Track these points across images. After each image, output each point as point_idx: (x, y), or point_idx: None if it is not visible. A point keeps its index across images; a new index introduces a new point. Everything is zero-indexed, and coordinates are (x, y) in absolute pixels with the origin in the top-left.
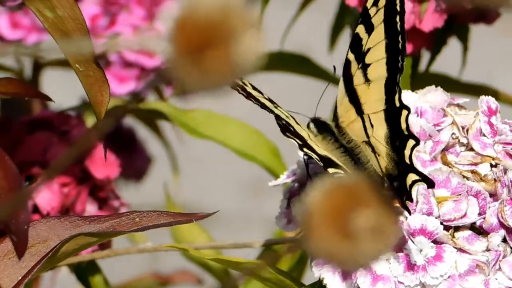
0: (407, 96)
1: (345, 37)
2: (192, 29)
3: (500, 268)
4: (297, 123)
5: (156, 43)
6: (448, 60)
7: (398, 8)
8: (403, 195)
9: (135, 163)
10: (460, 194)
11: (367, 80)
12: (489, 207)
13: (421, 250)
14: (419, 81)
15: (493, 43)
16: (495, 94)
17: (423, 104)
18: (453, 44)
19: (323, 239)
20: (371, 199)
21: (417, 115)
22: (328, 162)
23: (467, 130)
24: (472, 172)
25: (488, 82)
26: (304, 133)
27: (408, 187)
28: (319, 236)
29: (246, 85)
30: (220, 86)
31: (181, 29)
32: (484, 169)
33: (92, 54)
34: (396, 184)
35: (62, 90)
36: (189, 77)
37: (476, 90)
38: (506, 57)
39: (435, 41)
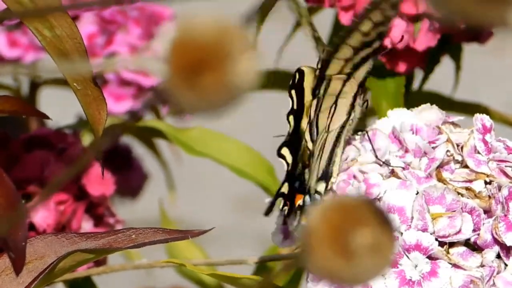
0: (402, 114)
1: None
2: (188, 50)
3: (494, 284)
4: None
5: (153, 63)
6: (440, 78)
7: None
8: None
9: (131, 180)
10: (454, 211)
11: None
12: (484, 224)
13: (416, 266)
14: (413, 100)
15: (483, 61)
16: (486, 111)
17: (418, 122)
18: (445, 62)
19: (322, 258)
20: (368, 217)
21: (412, 133)
22: None
23: (462, 148)
24: (467, 189)
25: (477, 100)
26: None
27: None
28: (318, 254)
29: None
30: (216, 107)
31: (177, 50)
32: (478, 186)
33: (90, 73)
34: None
35: (59, 108)
36: (185, 98)
37: (468, 108)
38: (495, 75)
39: (428, 60)
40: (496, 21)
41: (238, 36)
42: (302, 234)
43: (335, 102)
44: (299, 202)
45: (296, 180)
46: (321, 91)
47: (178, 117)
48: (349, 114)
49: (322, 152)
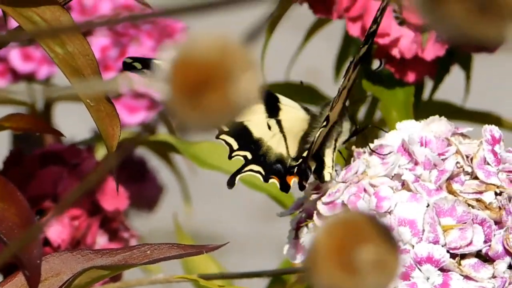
0: (411, 126)
1: None
2: (190, 69)
3: None
4: None
5: (156, 83)
6: (452, 87)
7: None
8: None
9: (147, 193)
10: (465, 222)
11: None
12: (494, 235)
13: (428, 278)
14: (423, 110)
15: (496, 65)
16: (498, 121)
17: (427, 134)
18: (456, 72)
19: (327, 274)
20: (373, 233)
21: (422, 145)
22: None
23: (471, 159)
24: (477, 200)
25: (492, 107)
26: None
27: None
28: (323, 270)
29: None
30: (218, 125)
31: (178, 70)
32: (488, 197)
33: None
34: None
35: (74, 121)
36: (187, 117)
37: (479, 117)
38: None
39: (437, 70)
40: (494, 38)
41: (240, 54)
42: (307, 250)
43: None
44: (293, 180)
45: (277, 163)
46: None
47: (182, 133)
48: (340, 117)
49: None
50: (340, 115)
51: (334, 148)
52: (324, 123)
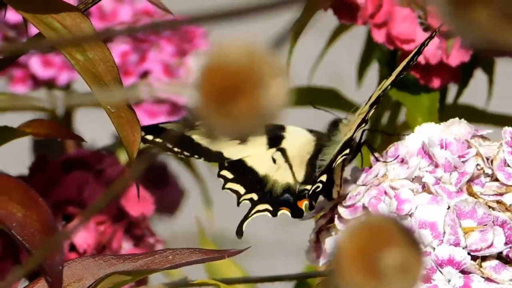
0: (431, 128)
1: (373, 71)
2: (219, 76)
3: None
4: None
5: (184, 90)
6: (475, 90)
7: None
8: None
9: (168, 197)
10: (486, 224)
11: None
12: None
13: (449, 281)
14: (447, 114)
15: None
16: None
17: (447, 136)
18: (479, 75)
19: (351, 278)
20: (396, 236)
21: (442, 147)
22: None
23: (492, 161)
24: (498, 202)
25: None
26: None
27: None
28: (347, 275)
29: None
30: (247, 132)
31: (208, 77)
32: (509, 199)
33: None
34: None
35: (95, 126)
36: (217, 124)
37: (501, 120)
38: None
39: (462, 75)
40: None
41: (268, 61)
42: (330, 253)
43: None
44: (304, 204)
45: (284, 194)
46: None
47: (211, 139)
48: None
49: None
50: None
51: (343, 167)
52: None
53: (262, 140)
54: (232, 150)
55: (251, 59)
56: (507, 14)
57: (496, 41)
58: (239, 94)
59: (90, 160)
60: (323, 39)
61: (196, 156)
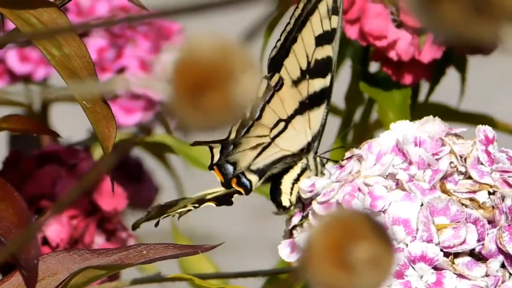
0: (405, 126)
1: (345, 69)
2: (191, 70)
3: None
4: None
5: (157, 84)
6: (447, 89)
7: None
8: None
9: (143, 193)
10: (459, 221)
11: None
12: (488, 234)
13: (422, 277)
14: (419, 111)
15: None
16: (492, 122)
17: (421, 134)
18: (452, 74)
19: (322, 272)
20: (367, 231)
21: (416, 145)
22: None
23: (465, 159)
24: (471, 199)
25: (487, 109)
26: None
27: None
28: (318, 268)
29: None
30: (219, 126)
31: (180, 71)
32: (482, 196)
33: (99, 92)
34: None
35: (71, 122)
36: (189, 117)
37: (474, 119)
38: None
39: (434, 72)
40: (489, 38)
41: (239, 55)
42: (302, 248)
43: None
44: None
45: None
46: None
47: (183, 134)
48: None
49: (261, 152)
50: (305, 151)
51: (296, 180)
52: None
53: None
54: None
55: (223, 53)
56: (478, 8)
57: (467, 36)
58: (210, 88)
59: (64, 155)
60: None
61: None
